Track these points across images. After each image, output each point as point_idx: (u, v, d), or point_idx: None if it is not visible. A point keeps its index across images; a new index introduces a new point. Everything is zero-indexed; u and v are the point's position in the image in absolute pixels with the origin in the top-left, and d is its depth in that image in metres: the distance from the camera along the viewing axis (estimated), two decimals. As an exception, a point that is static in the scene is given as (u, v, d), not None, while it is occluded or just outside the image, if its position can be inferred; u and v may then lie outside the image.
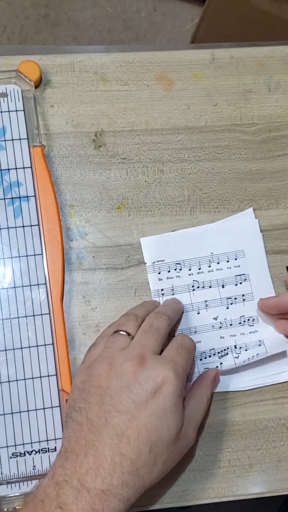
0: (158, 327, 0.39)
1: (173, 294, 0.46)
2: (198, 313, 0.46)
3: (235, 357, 0.45)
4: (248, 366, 0.45)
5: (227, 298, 0.46)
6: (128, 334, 0.39)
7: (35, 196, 0.45)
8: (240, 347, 0.46)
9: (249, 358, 0.45)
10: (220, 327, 0.46)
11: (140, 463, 0.34)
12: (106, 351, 0.38)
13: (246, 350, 0.46)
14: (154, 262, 0.47)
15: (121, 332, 0.39)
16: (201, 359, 0.45)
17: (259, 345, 0.46)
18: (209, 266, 0.47)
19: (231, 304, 0.46)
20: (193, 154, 0.50)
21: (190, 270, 0.47)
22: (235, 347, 0.45)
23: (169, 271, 0.47)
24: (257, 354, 0.45)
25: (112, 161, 0.49)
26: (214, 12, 1.13)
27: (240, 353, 0.45)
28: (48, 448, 0.42)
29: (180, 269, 0.47)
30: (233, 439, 0.45)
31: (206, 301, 0.46)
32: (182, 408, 0.37)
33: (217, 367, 0.45)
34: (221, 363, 0.45)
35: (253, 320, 0.46)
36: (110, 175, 0.49)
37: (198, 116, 0.50)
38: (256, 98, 0.51)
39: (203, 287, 0.46)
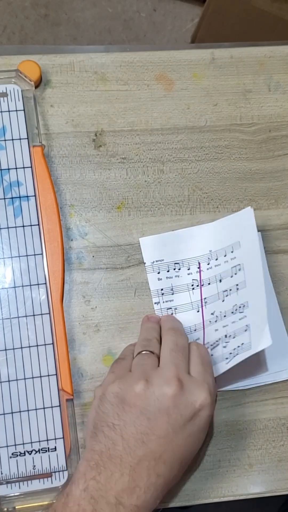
0: (183, 345, 0.40)
1: (172, 294, 0.46)
2: (198, 311, 0.46)
3: (224, 347, 0.45)
4: (248, 365, 0.45)
5: (224, 291, 0.46)
6: (153, 353, 0.40)
7: (35, 196, 0.45)
8: (230, 335, 0.45)
9: (235, 349, 0.44)
10: (216, 321, 0.46)
11: (171, 477, 0.36)
12: (141, 368, 0.38)
13: (234, 337, 0.45)
14: (153, 262, 0.47)
15: (146, 352, 0.40)
16: None
17: (245, 330, 0.44)
18: (208, 264, 0.47)
19: (227, 296, 0.46)
20: (193, 154, 0.50)
21: (189, 269, 0.47)
22: (226, 336, 0.45)
23: (168, 271, 0.47)
24: (242, 344, 0.44)
25: (112, 161, 0.49)
26: (214, 12, 1.13)
27: (229, 342, 0.45)
28: (48, 448, 0.42)
29: (179, 269, 0.47)
30: (233, 439, 0.45)
31: (205, 298, 0.46)
32: (211, 419, 0.39)
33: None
34: (212, 355, 0.45)
35: (244, 306, 0.45)
36: (110, 175, 0.49)
37: (198, 116, 0.50)
38: (256, 98, 0.51)
39: (202, 285, 0.46)
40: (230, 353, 0.44)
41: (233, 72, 0.52)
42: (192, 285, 0.46)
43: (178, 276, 0.46)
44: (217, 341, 0.45)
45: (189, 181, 0.49)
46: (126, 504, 0.34)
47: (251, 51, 0.52)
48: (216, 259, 0.47)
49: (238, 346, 0.44)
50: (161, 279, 0.46)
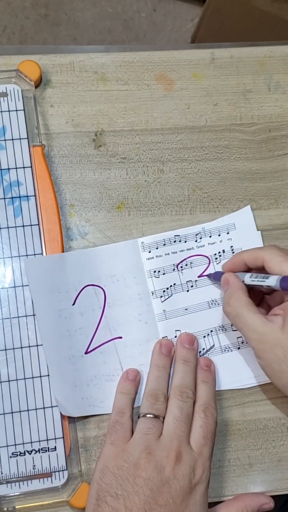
0: (188, 412, 0.40)
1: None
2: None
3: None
4: (248, 363, 0.45)
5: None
6: (157, 417, 0.40)
7: (35, 195, 0.46)
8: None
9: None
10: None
11: None
12: (144, 438, 0.39)
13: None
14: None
15: (151, 416, 0.40)
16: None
17: None
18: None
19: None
20: (193, 154, 0.50)
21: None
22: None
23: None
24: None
25: (112, 161, 0.49)
26: (214, 12, 1.13)
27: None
28: (48, 448, 0.42)
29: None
30: (233, 438, 0.45)
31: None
32: (207, 495, 0.39)
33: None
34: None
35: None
36: (110, 174, 0.49)
37: (198, 116, 0.50)
38: (256, 98, 0.51)
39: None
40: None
41: (233, 72, 0.52)
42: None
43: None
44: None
45: (189, 181, 0.49)
46: None
47: (251, 51, 0.52)
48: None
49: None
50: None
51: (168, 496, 0.37)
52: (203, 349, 0.45)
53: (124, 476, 0.37)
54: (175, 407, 0.41)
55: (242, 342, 0.46)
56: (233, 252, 0.47)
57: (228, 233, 0.47)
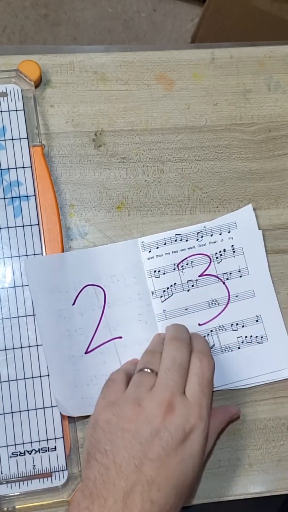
0: (181, 361, 0.39)
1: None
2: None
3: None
4: (248, 363, 0.45)
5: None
6: (153, 371, 0.39)
7: (35, 195, 0.46)
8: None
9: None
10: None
11: (168, 507, 0.35)
12: (135, 390, 0.38)
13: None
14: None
15: (147, 370, 0.39)
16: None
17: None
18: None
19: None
20: (193, 154, 0.50)
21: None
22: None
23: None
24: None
25: (112, 161, 0.49)
26: (214, 12, 1.13)
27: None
28: (48, 448, 0.42)
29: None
30: (233, 438, 0.45)
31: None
32: (206, 446, 0.38)
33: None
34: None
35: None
36: (110, 174, 0.49)
37: (198, 116, 0.50)
38: (256, 98, 0.51)
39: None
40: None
41: (233, 72, 0.52)
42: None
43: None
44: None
45: (189, 181, 0.49)
46: None
47: (251, 51, 0.52)
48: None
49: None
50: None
51: (159, 448, 0.35)
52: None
53: (112, 431, 0.36)
54: (167, 358, 0.39)
55: (242, 342, 0.46)
56: (234, 251, 0.47)
57: (229, 232, 0.47)
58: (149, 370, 0.39)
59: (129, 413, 0.36)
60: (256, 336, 0.46)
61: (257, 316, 0.46)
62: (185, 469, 0.36)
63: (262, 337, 0.46)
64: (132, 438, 0.35)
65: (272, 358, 0.46)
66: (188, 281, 0.46)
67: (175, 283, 0.46)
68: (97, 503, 0.34)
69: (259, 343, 0.46)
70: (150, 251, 0.46)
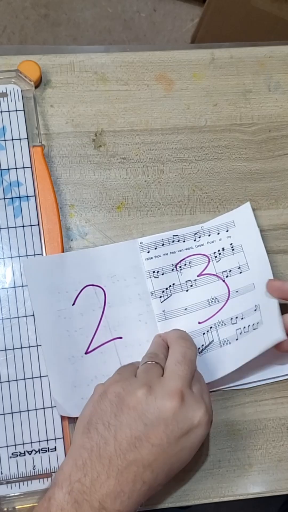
0: (191, 358, 0.39)
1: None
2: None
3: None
4: (247, 364, 0.45)
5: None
6: (158, 363, 0.39)
7: (35, 196, 0.46)
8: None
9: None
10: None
11: (155, 485, 0.36)
12: (145, 375, 0.38)
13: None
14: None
15: (152, 362, 0.39)
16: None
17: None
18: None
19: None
20: (193, 154, 0.50)
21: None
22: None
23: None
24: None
25: (112, 161, 0.49)
26: (214, 12, 1.13)
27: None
28: (48, 448, 0.42)
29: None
30: (233, 439, 0.45)
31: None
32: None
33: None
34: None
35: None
36: (110, 175, 0.49)
37: (198, 116, 0.50)
38: (256, 98, 0.51)
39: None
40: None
41: (233, 72, 0.52)
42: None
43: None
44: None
45: (189, 181, 0.49)
46: (109, 508, 0.34)
47: (251, 51, 0.52)
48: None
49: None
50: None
51: (163, 435, 0.35)
52: (202, 345, 0.45)
53: (119, 405, 0.36)
54: (177, 352, 0.39)
55: (240, 333, 0.45)
56: (233, 249, 0.47)
57: (227, 231, 0.47)
58: (154, 362, 0.39)
59: (139, 393, 0.36)
60: (253, 324, 0.45)
61: (255, 306, 0.45)
62: (182, 457, 0.36)
63: (258, 322, 0.45)
64: (138, 418, 0.35)
65: (270, 358, 0.45)
66: (186, 281, 0.46)
67: (173, 284, 0.46)
68: (90, 477, 0.34)
69: (255, 329, 0.45)
70: (148, 252, 0.46)
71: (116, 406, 0.36)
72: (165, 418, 0.35)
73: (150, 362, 0.39)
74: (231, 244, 0.47)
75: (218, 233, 0.47)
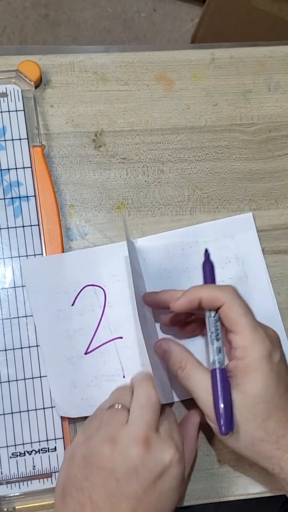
0: (155, 400, 0.38)
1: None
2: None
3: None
4: None
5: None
6: (124, 407, 0.38)
7: (35, 196, 0.46)
8: None
9: None
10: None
11: None
12: (107, 428, 0.37)
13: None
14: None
15: (117, 406, 0.38)
16: None
17: None
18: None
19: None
20: (193, 154, 0.50)
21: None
22: None
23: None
24: None
25: (112, 161, 0.49)
26: (214, 12, 1.13)
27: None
28: (48, 448, 0.42)
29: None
30: (233, 439, 0.45)
31: None
32: (184, 475, 0.37)
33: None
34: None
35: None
36: (110, 175, 0.49)
37: (198, 116, 0.50)
38: (256, 98, 0.51)
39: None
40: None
41: (233, 72, 0.52)
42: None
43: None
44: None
45: (189, 181, 0.49)
46: None
47: (251, 51, 0.52)
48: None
49: None
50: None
51: (137, 486, 0.34)
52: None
53: (88, 467, 0.35)
54: (141, 395, 0.38)
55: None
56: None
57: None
58: (119, 406, 0.38)
59: (105, 451, 0.35)
60: None
61: None
62: (166, 500, 0.35)
63: None
64: (109, 475, 0.34)
65: None
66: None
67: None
68: None
69: None
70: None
71: (85, 468, 0.35)
72: (135, 467, 0.35)
73: (115, 406, 0.38)
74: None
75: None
